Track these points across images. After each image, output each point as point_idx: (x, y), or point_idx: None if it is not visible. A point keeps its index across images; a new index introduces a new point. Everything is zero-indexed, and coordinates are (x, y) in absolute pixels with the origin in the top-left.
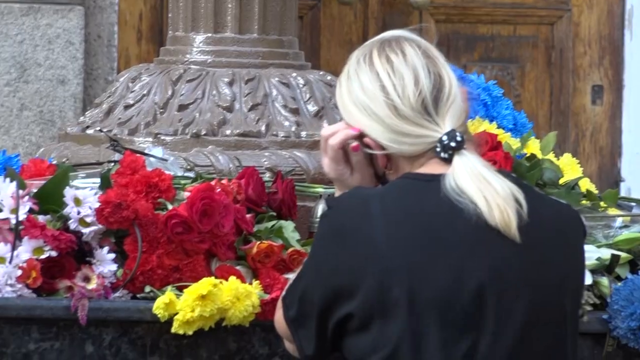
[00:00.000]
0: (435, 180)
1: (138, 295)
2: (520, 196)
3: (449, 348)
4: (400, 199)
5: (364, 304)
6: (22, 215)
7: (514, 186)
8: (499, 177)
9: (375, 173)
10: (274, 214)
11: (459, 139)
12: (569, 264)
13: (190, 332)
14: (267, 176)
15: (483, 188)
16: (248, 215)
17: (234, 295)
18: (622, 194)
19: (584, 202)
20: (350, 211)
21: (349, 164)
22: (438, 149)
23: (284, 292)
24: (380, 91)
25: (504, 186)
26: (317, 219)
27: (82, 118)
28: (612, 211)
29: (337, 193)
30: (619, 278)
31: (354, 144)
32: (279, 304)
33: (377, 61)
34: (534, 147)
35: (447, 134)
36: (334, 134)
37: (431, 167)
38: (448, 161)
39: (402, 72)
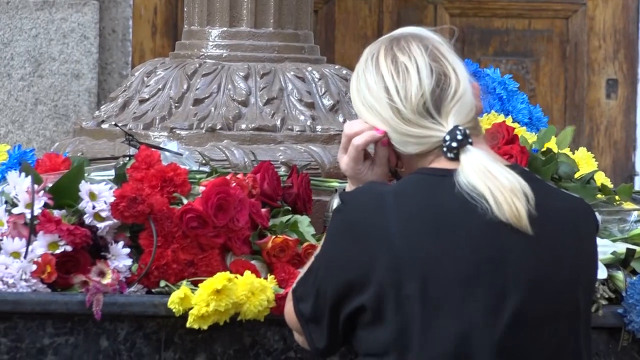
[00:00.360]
0: (449, 175)
1: (153, 290)
2: (528, 190)
3: (462, 341)
4: (415, 194)
5: (377, 298)
6: (37, 210)
7: (522, 180)
8: (505, 170)
9: (389, 169)
10: (289, 208)
11: (460, 137)
12: (582, 258)
13: (205, 327)
14: (282, 170)
15: (489, 182)
16: (263, 210)
17: (249, 289)
18: (637, 188)
19: (599, 196)
20: (365, 206)
21: (366, 162)
22: (445, 149)
23: (294, 285)
24: (384, 93)
25: (511, 179)
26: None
27: (97, 112)
28: (628, 205)
29: (349, 188)
30: (634, 272)
31: (384, 138)
32: (289, 297)
33: (383, 62)
34: (549, 140)
35: (450, 132)
36: (358, 133)
37: (442, 163)
38: (455, 160)
39: (405, 74)
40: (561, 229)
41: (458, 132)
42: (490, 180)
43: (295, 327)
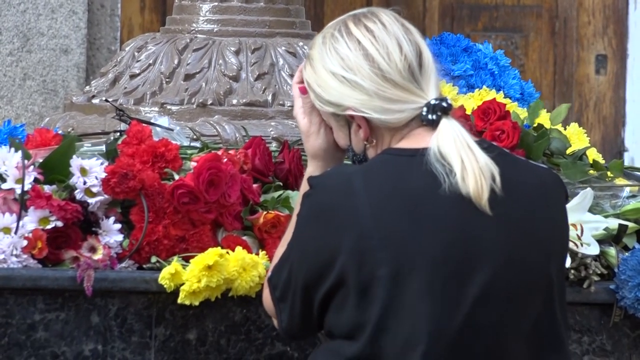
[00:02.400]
0: (418, 154)
1: (144, 266)
2: (497, 172)
3: (434, 320)
4: (383, 174)
5: (349, 280)
6: (27, 185)
7: (491, 161)
8: (480, 147)
9: (353, 157)
10: (281, 184)
11: (449, 102)
12: (552, 230)
13: (196, 303)
14: (273, 146)
15: (464, 154)
16: (255, 185)
17: (241, 265)
18: (626, 163)
19: (591, 172)
20: (333, 189)
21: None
22: (425, 112)
23: (269, 273)
24: (364, 59)
25: (485, 159)
26: None
27: (87, 87)
28: (620, 181)
29: (313, 171)
30: (626, 248)
31: (300, 85)
32: (265, 284)
33: (357, 31)
34: (542, 116)
35: (436, 98)
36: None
37: (414, 140)
38: (434, 124)
39: (384, 39)
40: (530, 203)
41: (442, 101)
42: (466, 153)
43: (272, 313)
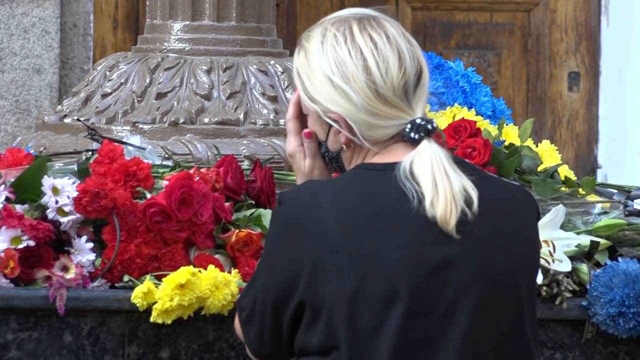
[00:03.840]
0: (389, 169)
1: (116, 285)
2: (474, 194)
3: (402, 335)
4: (351, 189)
5: (317, 296)
6: None
7: (469, 183)
8: (457, 173)
9: (325, 153)
10: (253, 202)
11: (434, 125)
12: (523, 247)
13: (169, 321)
14: (245, 164)
15: (439, 179)
16: (227, 204)
17: (213, 284)
18: (599, 180)
19: (562, 189)
20: (301, 204)
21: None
22: (408, 129)
23: (239, 296)
24: (361, 70)
25: (459, 185)
26: None
27: (59, 107)
28: (591, 198)
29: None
30: (598, 265)
31: (306, 130)
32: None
33: (360, 38)
34: (512, 134)
35: (422, 118)
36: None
37: (390, 155)
38: (415, 143)
39: (386, 53)
40: (500, 219)
41: (428, 122)
42: (441, 178)
43: (242, 337)
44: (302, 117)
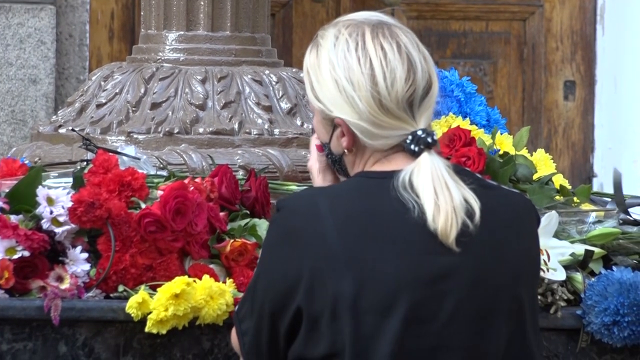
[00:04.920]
0: (388, 177)
1: (111, 295)
2: (476, 205)
3: (401, 344)
4: (350, 196)
5: (314, 304)
6: None
7: (470, 194)
8: (458, 184)
9: (328, 154)
10: (248, 212)
11: (435, 137)
12: (523, 255)
13: (163, 332)
14: (240, 174)
15: (439, 192)
16: (221, 214)
17: (208, 293)
18: (595, 189)
19: (557, 197)
20: (299, 211)
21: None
22: (408, 141)
23: (236, 307)
24: (368, 79)
25: (460, 197)
26: None
27: (54, 117)
28: (586, 206)
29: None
30: (592, 273)
31: (318, 143)
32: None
33: (371, 46)
34: (506, 143)
35: (423, 130)
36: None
37: (390, 164)
38: (416, 155)
39: (395, 64)
40: (500, 226)
41: (434, 133)
42: (442, 191)
43: (238, 349)
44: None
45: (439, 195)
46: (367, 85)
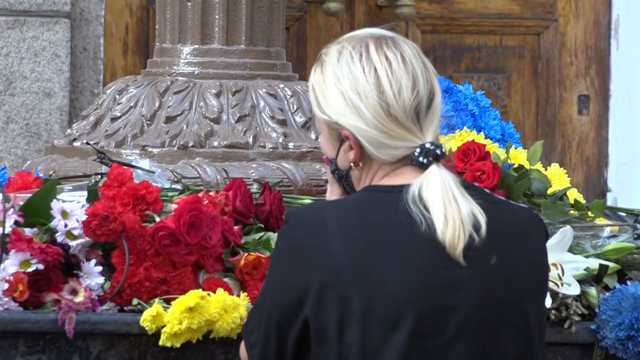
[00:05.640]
0: (396, 191)
1: (125, 308)
2: (482, 219)
3: (408, 357)
4: (358, 210)
5: (321, 316)
6: (8, 229)
7: (479, 209)
8: (466, 198)
9: (334, 170)
10: (262, 225)
11: (443, 150)
12: (530, 270)
13: (177, 345)
14: (254, 188)
15: (448, 204)
16: (236, 227)
17: (222, 307)
18: (609, 204)
19: (571, 212)
20: (306, 224)
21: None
22: (417, 153)
23: (245, 320)
24: (374, 88)
25: (468, 210)
26: None
27: (69, 130)
28: (600, 221)
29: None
30: (607, 288)
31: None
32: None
33: (376, 57)
34: (521, 157)
35: (432, 142)
36: None
37: (398, 177)
38: (424, 168)
39: (400, 74)
40: (508, 242)
41: (437, 147)
42: (450, 204)
43: None
44: None
45: (448, 208)
46: (374, 94)
